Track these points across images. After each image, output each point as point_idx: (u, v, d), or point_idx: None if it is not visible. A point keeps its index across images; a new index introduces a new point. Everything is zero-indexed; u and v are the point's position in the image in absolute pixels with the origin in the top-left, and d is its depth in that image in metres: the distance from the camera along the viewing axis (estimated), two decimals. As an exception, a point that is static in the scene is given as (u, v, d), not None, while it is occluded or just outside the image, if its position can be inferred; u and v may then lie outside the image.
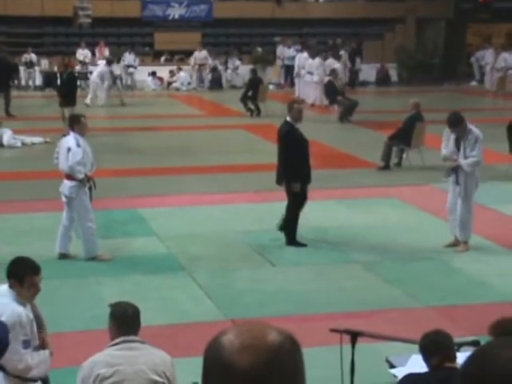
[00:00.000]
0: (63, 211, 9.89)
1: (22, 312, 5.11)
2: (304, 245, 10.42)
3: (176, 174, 14.77)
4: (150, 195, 13.08)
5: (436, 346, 4.75)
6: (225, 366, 1.56)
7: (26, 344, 5.13)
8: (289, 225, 10.46)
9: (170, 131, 20.01)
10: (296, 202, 10.38)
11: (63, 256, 9.85)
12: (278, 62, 31.08)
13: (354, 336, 4.92)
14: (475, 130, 10.16)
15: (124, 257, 10.00)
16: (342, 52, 29.03)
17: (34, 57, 28.69)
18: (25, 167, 15.53)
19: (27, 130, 19.25)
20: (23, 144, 17.89)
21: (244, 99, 23.00)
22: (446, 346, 4.78)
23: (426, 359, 4.82)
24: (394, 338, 5.10)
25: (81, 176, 9.65)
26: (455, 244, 10.38)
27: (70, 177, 9.68)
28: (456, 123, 10.09)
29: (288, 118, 10.31)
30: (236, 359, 1.55)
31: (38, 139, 18.13)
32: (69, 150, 9.61)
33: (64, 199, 9.79)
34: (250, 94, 22.97)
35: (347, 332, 4.93)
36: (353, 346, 4.87)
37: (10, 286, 5.19)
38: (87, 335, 7.41)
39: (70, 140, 9.69)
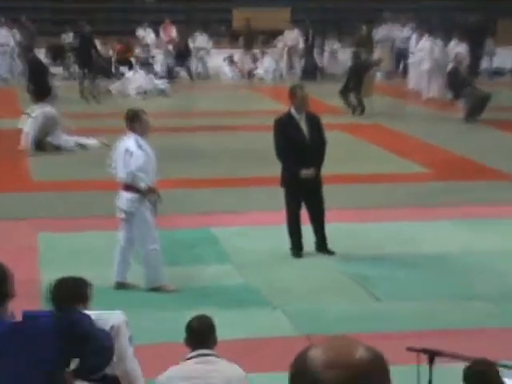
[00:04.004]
0: (120, 230, 10.13)
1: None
2: (300, 255, 11.22)
3: (255, 186, 14.88)
4: (222, 211, 13.35)
5: (481, 379, 5.29)
6: (310, 381, 1.94)
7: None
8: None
9: (250, 132, 20.05)
10: (289, 200, 11.43)
11: (121, 285, 10.11)
12: (388, 45, 31.12)
13: (432, 356, 5.61)
14: None
15: (192, 287, 10.31)
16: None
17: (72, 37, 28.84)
18: (77, 176, 15.84)
19: (80, 130, 19.55)
20: (79, 145, 18.19)
21: (344, 92, 22.90)
22: (492, 380, 5.32)
23: None
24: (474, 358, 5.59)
25: (143, 185, 9.87)
26: None
27: (129, 187, 9.89)
28: None
29: (291, 107, 11.36)
30: (321, 375, 1.93)
31: (92, 141, 18.28)
32: (128, 152, 9.83)
33: (122, 215, 10.01)
34: (351, 85, 22.90)
35: (425, 351, 5.65)
36: (430, 366, 5.58)
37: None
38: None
39: (129, 141, 9.92)
